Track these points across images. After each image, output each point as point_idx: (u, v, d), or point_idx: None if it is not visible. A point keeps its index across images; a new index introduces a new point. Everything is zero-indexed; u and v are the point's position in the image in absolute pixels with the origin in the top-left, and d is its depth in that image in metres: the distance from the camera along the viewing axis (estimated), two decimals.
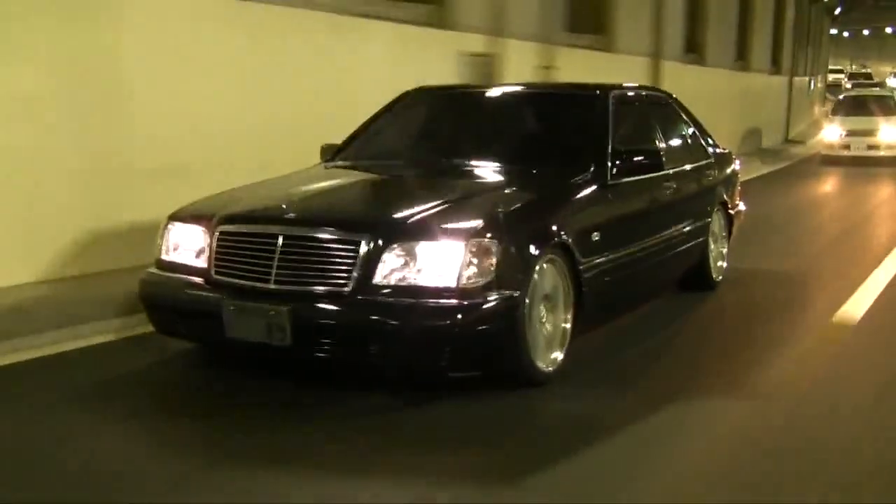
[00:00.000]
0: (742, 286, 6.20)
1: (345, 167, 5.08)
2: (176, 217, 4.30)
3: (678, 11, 14.61)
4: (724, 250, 6.24)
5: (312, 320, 3.73)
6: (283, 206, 4.11)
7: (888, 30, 54.51)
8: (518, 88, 5.69)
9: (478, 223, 3.84)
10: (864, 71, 51.79)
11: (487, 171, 4.79)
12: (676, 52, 14.46)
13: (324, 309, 3.73)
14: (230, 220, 4.08)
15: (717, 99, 15.37)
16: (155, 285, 4.23)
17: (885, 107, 17.54)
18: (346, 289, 3.70)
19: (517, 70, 8.90)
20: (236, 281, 3.92)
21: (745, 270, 6.54)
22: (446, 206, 4.07)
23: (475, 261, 3.68)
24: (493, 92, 5.62)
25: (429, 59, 8.12)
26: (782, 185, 13.51)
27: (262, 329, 3.76)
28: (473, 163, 4.87)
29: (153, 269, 4.29)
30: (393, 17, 7.98)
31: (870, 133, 16.64)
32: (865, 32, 54.37)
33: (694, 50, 15.76)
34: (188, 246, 4.17)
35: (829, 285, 6.44)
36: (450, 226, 3.80)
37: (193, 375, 4.27)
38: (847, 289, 6.08)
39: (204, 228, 4.12)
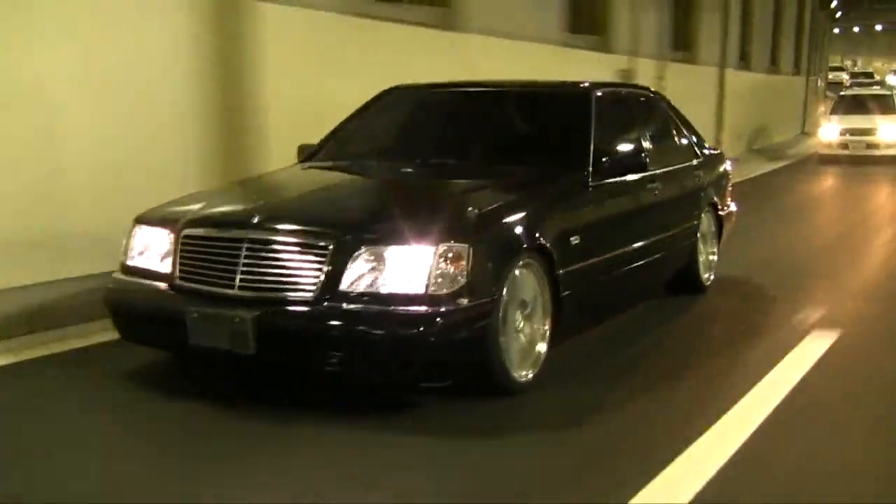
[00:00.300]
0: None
1: (319, 168, 4.94)
2: (142, 220, 4.15)
3: (735, 30, 18.57)
4: (714, 255, 6.08)
5: (277, 328, 3.58)
6: (250, 209, 3.95)
7: (878, 27, 54.80)
8: (499, 87, 5.51)
9: (449, 226, 3.67)
10: (863, 70, 51.62)
11: (464, 171, 4.63)
12: (734, 62, 18.37)
13: (289, 316, 3.58)
14: (195, 223, 3.93)
15: (758, 96, 20.00)
16: (119, 291, 4.09)
17: (884, 106, 17.38)
18: (311, 295, 3.55)
19: (643, 81, 11.18)
20: (200, 286, 3.78)
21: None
22: (417, 208, 3.93)
23: (445, 266, 3.52)
24: (474, 90, 5.42)
25: (594, 74, 10.51)
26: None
27: (226, 336, 3.61)
28: (450, 163, 4.74)
29: (118, 274, 4.15)
30: (576, 45, 11.70)
31: (869, 132, 16.50)
32: (856, 29, 54.49)
33: (744, 58, 19.82)
34: (153, 250, 4.02)
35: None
36: (419, 229, 3.61)
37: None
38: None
39: (169, 232, 3.97)
